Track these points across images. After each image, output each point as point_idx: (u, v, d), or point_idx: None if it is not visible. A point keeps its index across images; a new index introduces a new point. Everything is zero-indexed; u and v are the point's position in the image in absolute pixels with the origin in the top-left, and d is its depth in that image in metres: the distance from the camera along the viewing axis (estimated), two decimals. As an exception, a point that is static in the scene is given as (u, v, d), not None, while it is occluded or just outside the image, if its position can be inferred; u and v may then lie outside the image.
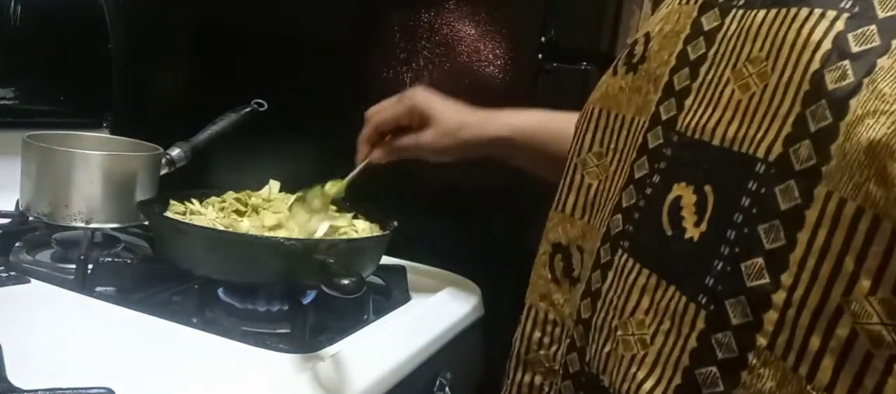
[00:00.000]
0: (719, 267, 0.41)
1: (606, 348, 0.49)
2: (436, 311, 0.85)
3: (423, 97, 0.82)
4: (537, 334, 0.60)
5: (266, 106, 1.01)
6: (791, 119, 0.40)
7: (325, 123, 1.07)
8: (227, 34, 1.19)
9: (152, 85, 1.28)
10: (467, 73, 1.02)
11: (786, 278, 0.37)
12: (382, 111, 0.83)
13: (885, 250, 0.33)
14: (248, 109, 1.01)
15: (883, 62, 0.36)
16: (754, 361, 0.39)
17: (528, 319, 0.61)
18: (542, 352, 0.59)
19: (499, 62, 1.01)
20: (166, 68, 1.28)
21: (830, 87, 0.38)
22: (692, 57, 0.49)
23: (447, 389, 0.80)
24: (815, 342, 0.36)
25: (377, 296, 0.83)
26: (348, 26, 1.10)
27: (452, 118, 0.80)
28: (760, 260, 0.39)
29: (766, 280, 0.38)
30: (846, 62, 0.37)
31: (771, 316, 0.38)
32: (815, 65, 0.39)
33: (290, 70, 1.13)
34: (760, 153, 0.41)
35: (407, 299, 0.85)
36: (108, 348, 0.62)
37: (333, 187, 0.84)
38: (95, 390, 0.49)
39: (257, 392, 0.58)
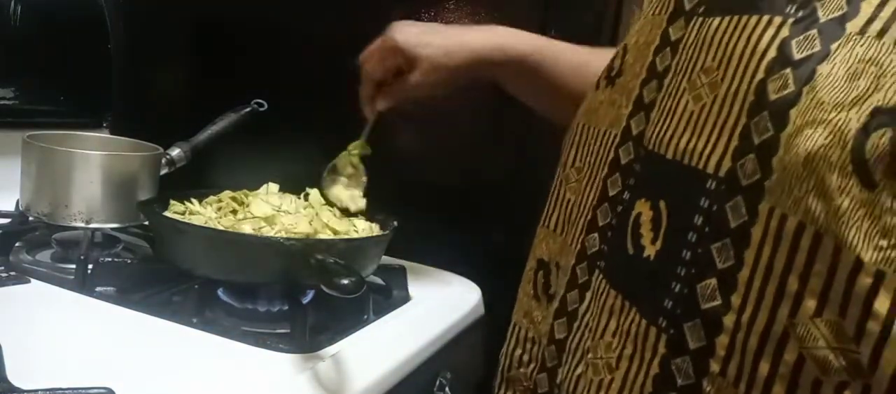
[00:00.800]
0: (677, 288, 0.39)
1: (578, 371, 0.47)
2: (436, 311, 0.85)
3: (402, 35, 0.78)
4: (518, 352, 0.59)
5: (266, 106, 1.01)
6: (738, 131, 0.38)
7: (325, 123, 1.07)
8: (227, 34, 1.19)
9: (152, 85, 1.28)
10: (467, 73, 1.02)
11: (735, 300, 0.36)
12: (370, 59, 0.81)
13: (829, 268, 0.31)
14: (248, 109, 1.01)
15: (822, 68, 0.35)
16: (708, 388, 0.37)
17: (513, 336, 0.60)
18: (521, 370, 0.58)
19: (499, 62, 1.01)
20: (166, 68, 1.28)
21: (772, 97, 0.36)
22: (659, 68, 0.47)
23: (447, 389, 0.80)
24: (763, 368, 0.34)
25: (377, 296, 0.83)
26: (348, 26, 1.10)
27: (435, 50, 0.76)
28: (714, 281, 0.37)
29: (718, 302, 0.36)
30: (788, 70, 0.36)
31: (722, 340, 0.36)
32: (760, 74, 0.37)
33: (290, 70, 1.13)
34: (711, 168, 0.39)
35: (407, 299, 0.85)
36: (108, 348, 0.62)
37: (356, 148, 0.86)
38: (95, 390, 0.49)
39: (257, 392, 0.58)
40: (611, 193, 0.49)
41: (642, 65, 0.49)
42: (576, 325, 0.49)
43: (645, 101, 0.48)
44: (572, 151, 0.57)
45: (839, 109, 0.33)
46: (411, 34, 0.78)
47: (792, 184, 0.34)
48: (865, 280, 0.30)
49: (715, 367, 0.36)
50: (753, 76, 0.38)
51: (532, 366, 0.57)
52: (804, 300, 0.32)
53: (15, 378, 0.50)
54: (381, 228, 0.84)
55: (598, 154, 0.53)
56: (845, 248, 0.31)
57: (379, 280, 0.87)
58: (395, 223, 0.84)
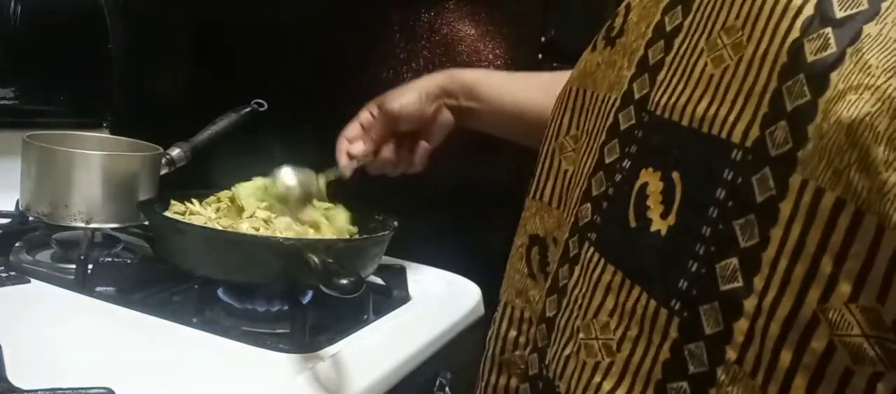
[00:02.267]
0: (694, 268, 0.36)
1: (567, 351, 0.44)
2: (436, 311, 0.85)
3: (395, 102, 0.80)
4: (513, 333, 0.55)
5: (266, 106, 1.01)
6: (767, 97, 0.34)
7: (325, 123, 1.07)
8: (227, 34, 1.19)
9: (152, 85, 1.28)
10: (467, 73, 1.02)
11: (758, 282, 0.32)
12: (407, 111, 0.80)
13: (869, 250, 0.28)
14: (248, 109, 1.00)
15: (870, 29, 0.31)
16: (723, 377, 0.34)
17: (504, 317, 0.57)
18: (517, 352, 0.54)
19: (499, 62, 1.01)
20: (166, 68, 1.28)
21: (810, 58, 0.33)
22: (668, 28, 0.43)
23: (447, 389, 0.79)
24: (785, 358, 0.31)
25: (377, 296, 0.83)
26: (348, 26, 1.10)
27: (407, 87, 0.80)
28: (735, 260, 0.34)
29: (739, 284, 0.33)
30: (828, 29, 0.32)
31: (741, 325, 0.33)
32: (795, 33, 0.34)
33: (290, 70, 1.13)
34: (736, 137, 0.36)
35: (407, 299, 0.85)
36: (108, 348, 0.62)
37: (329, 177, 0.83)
38: (95, 390, 0.49)
39: (257, 392, 0.58)
40: (607, 161, 0.46)
41: (648, 24, 0.46)
42: (565, 301, 0.46)
43: (650, 62, 0.44)
44: (566, 117, 0.54)
45: (890, 74, 0.29)
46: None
47: (832, 155, 0.30)
48: None
49: (731, 354, 0.33)
50: (786, 36, 0.34)
51: (528, 348, 0.53)
52: (838, 284, 0.29)
53: (15, 378, 0.50)
54: (381, 228, 0.84)
55: (597, 121, 0.49)
56: (889, 228, 0.28)
57: (379, 280, 0.87)
58: (395, 223, 0.83)
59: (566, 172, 0.53)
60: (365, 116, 0.82)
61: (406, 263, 0.93)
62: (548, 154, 0.56)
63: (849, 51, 0.31)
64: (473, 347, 0.91)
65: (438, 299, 0.88)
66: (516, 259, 0.57)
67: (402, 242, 0.85)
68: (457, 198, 1.02)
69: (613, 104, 0.47)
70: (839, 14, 0.33)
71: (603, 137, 0.47)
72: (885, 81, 0.29)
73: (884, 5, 0.32)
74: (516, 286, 0.57)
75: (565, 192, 0.53)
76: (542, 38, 0.98)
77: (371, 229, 0.86)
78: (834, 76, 0.31)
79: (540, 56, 0.99)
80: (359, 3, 1.10)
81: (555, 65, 0.98)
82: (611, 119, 0.47)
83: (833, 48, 0.32)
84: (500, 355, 0.57)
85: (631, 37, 0.47)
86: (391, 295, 0.85)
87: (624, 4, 0.50)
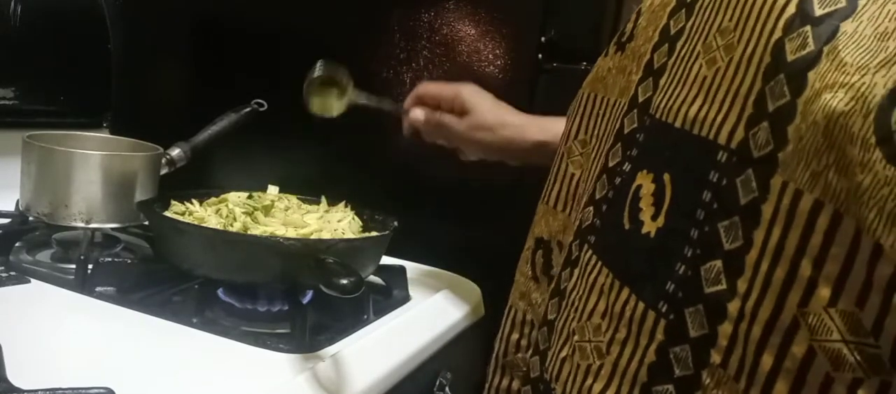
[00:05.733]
0: (681, 270, 0.36)
1: (563, 354, 0.44)
2: (436, 311, 0.85)
3: (470, 89, 0.79)
4: (515, 336, 0.56)
5: (266, 106, 1.01)
6: (752, 98, 0.34)
7: (326, 123, 1.07)
8: (227, 34, 1.19)
9: (152, 85, 1.28)
10: (467, 72, 1.02)
11: (741, 284, 0.32)
12: (429, 85, 0.81)
13: (848, 253, 0.28)
14: (248, 109, 1.00)
15: (846, 26, 0.31)
16: (707, 380, 0.33)
17: (508, 320, 0.57)
18: (519, 355, 0.55)
19: (499, 62, 1.01)
20: (166, 68, 1.28)
21: (790, 58, 0.32)
22: (672, 31, 0.43)
23: (447, 389, 0.79)
24: (766, 362, 0.30)
25: (377, 296, 0.83)
26: (348, 26, 1.10)
27: (490, 114, 0.78)
28: (719, 263, 0.33)
29: (722, 286, 0.33)
30: (808, 28, 0.32)
31: (725, 329, 0.32)
32: (777, 33, 0.33)
33: (290, 70, 1.13)
34: (722, 138, 0.35)
35: (407, 298, 0.85)
36: (108, 348, 0.62)
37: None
38: (95, 390, 0.49)
39: (257, 392, 0.58)
40: (610, 165, 0.46)
41: (655, 28, 0.45)
42: (563, 304, 0.46)
43: (654, 66, 0.44)
44: (576, 121, 0.54)
45: (863, 72, 0.29)
46: (479, 94, 0.80)
47: (809, 156, 0.30)
48: (886, 269, 0.27)
49: (716, 358, 0.33)
50: (770, 35, 0.34)
51: (530, 351, 0.53)
52: (818, 287, 0.29)
53: (15, 378, 0.50)
54: (381, 228, 0.84)
55: (607, 125, 0.49)
56: (866, 231, 0.27)
57: (379, 280, 0.87)
58: (395, 223, 0.84)
59: (573, 176, 0.53)
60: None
61: (406, 263, 0.93)
62: (558, 159, 0.56)
63: (825, 49, 0.31)
64: (473, 347, 0.91)
65: (438, 299, 0.88)
66: (523, 263, 0.58)
67: (402, 243, 0.85)
68: (457, 198, 1.02)
69: (622, 109, 0.47)
70: (819, 12, 0.32)
71: (610, 142, 0.47)
72: (860, 79, 0.29)
73: (860, 2, 0.31)
74: (520, 289, 0.57)
75: (571, 196, 0.53)
76: (542, 38, 0.98)
77: (371, 229, 0.86)
78: (811, 75, 0.31)
79: (540, 56, 0.99)
80: (359, 3, 1.10)
81: (555, 65, 0.98)
82: (618, 123, 0.47)
83: (811, 47, 0.32)
84: (503, 356, 0.57)
85: (639, 41, 0.47)
86: (391, 295, 0.85)
87: (636, 10, 0.50)
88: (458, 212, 1.02)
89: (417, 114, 0.81)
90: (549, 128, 0.76)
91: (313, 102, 0.83)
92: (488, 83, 1.01)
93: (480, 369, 0.95)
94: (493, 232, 1.00)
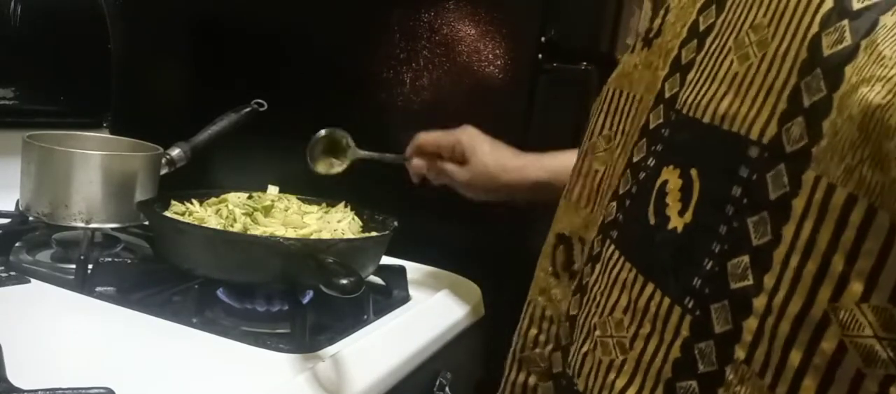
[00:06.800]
0: (708, 266, 0.36)
1: (584, 349, 0.44)
2: (436, 311, 0.85)
3: (469, 135, 0.82)
4: (533, 332, 0.56)
5: (266, 106, 1.01)
6: (787, 93, 0.34)
7: (326, 124, 1.07)
8: (227, 34, 1.19)
9: (152, 85, 1.28)
10: (467, 73, 1.02)
11: (768, 280, 0.32)
12: (428, 135, 0.85)
13: (882, 248, 0.27)
14: (248, 109, 1.00)
15: (886, 19, 0.30)
16: (731, 377, 0.33)
17: (527, 315, 0.57)
18: (537, 350, 0.55)
19: (499, 62, 1.01)
20: (166, 68, 1.28)
21: (826, 52, 0.32)
22: (702, 27, 0.43)
23: (447, 389, 0.79)
24: (795, 357, 0.30)
25: (377, 296, 0.83)
26: (348, 26, 1.10)
27: (490, 159, 0.80)
28: (746, 258, 0.33)
29: (749, 282, 0.33)
30: (845, 22, 0.32)
31: (750, 324, 0.32)
32: (814, 28, 0.33)
33: (290, 70, 1.13)
34: (754, 134, 0.35)
35: (407, 298, 0.85)
36: (108, 348, 0.62)
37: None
38: (95, 390, 0.49)
39: (257, 392, 0.58)
40: (635, 160, 0.46)
41: (684, 24, 0.45)
42: (585, 299, 0.46)
43: (682, 62, 0.44)
44: (601, 117, 0.53)
45: None
46: (478, 139, 0.82)
47: (844, 150, 0.29)
48: None
49: (740, 353, 0.33)
50: (807, 30, 0.33)
51: (549, 346, 0.53)
52: (850, 283, 0.28)
53: (15, 378, 0.50)
54: (381, 228, 0.84)
55: (632, 121, 0.49)
56: None
57: (379, 280, 0.87)
58: (395, 223, 0.84)
59: (596, 171, 0.53)
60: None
61: (406, 263, 0.93)
62: (581, 155, 0.56)
63: (863, 43, 0.30)
64: (473, 347, 0.91)
65: (438, 299, 0.88)
66: (543, 258, 0.58)
67: (402, 243, 0.85)
68: (457, 198, 1.02)
69: (648, 105, 0.47)
70: (857, 6, 0.32)
71: (635, 137, 0.47)
72: None
73: None
74: (540, 284, 0.57)
75: (595, 192, 0.53)
76: (542, 38, 0.98)
77: (371, 229, 0.86)
78: (848, 69, 0.31)
79: (540, 56, 0.99)
80: (359, 3, 1.10)
81: (555, 65, 0.98)
82: (643, 119, 0.47)
83: (848, 40, 0.31)
84: (521, 351, 0.57)
85: (667, 37, 0.47)
86: (391, 295, 0.85)
87: (664, 6, 0.50)
88: (458, 212, 1.02)
89: (419, 165, 0.85)
90: (549, 165, 0.78)
91: (318, 165, 0.89)
92: (488, 83, 1.01)
93: (480, 369, 0.95)
94: (493, 232, 1.00)
